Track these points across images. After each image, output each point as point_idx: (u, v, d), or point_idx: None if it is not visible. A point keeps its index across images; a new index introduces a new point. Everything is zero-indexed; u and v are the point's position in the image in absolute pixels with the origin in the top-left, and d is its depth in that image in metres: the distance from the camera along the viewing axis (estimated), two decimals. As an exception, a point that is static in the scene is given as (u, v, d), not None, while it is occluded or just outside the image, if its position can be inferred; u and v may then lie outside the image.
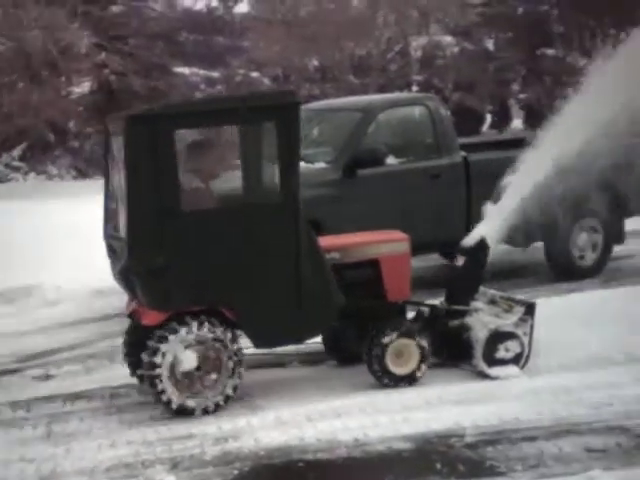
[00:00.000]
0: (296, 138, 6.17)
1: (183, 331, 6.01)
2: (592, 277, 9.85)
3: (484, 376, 6.52)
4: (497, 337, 6.50)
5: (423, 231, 9.10)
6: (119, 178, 6.35)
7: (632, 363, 6.73)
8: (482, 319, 6.66)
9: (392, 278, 6.60)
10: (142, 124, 5.99)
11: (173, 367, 6.00)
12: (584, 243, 9.97)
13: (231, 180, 6.99)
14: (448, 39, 31.41)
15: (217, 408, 6.12)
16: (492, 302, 6.89)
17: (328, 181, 8.96)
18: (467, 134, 25.40)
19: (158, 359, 5.99)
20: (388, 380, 6.42)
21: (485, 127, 41.21)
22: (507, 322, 6.58)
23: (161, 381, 6.00)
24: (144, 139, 5.93)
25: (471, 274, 6.91)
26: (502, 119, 40.20)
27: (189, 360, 6.01)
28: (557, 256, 9.93)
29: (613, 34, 33.74)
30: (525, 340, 6.54)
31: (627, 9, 31.23)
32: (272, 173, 6.38)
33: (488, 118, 41.61)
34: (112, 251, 6.68)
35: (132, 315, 6.63)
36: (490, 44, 30.93)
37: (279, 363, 7.15)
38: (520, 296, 7.15)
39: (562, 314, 7.35)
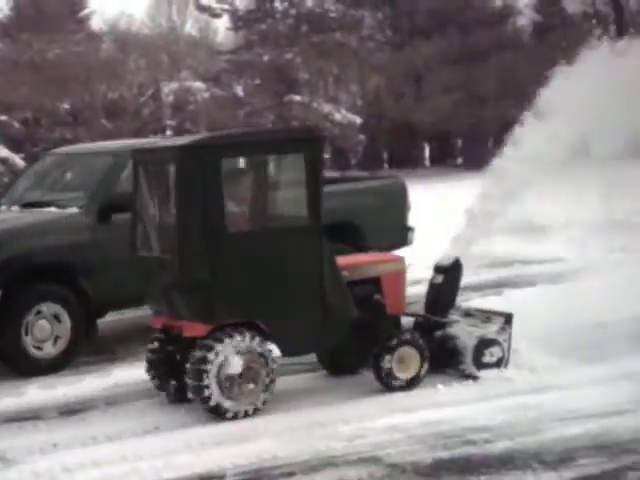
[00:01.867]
0: (320, 168, 6.87)
1: (237, 338, 6.51)
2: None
3: (471, 378, 7.21)
4: (484, 344, 7.30)
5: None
6: (157, 203, 6.97)
7: (379, 394, 7.05)
8: (465, 329, 7.44)
9: (391, 294, 7.34)
10: (192, 153, 6.57)
11: (220, 370, 6.47)
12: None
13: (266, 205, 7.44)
14: (198, 84, 31.77)
15: (251, 414, 6.58)
16: (467, 314, 7.70)
17: (82, 226, 8.82)
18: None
19: (210, 359, 6.44)
20: (395, 384, 7.04)
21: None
22: (491, 330, 7.39)
23: (208, 382, 6.44)
24: (194, 166, 6.49)
25: (449, 290, 7.64)
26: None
27: (236, 365, 6.49)
28: None
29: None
30: (505, 346, 7.34)
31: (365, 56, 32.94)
32: (299, 199, 6.91)
33: (241, 162, 41.82)
34: (145, 271, 7.08)
35: (163, 329, 7.04)
36: (239, 90, 31.53)
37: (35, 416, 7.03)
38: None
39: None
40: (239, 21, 32.82)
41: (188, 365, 6.56)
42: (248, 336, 6.55)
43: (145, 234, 7.08)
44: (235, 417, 6.52)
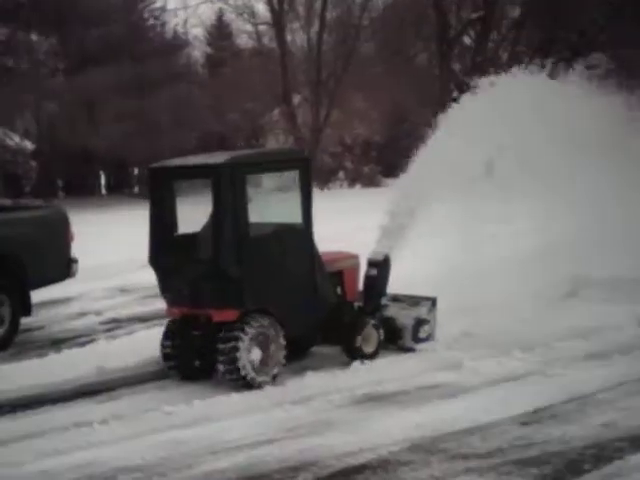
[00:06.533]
0: (310, 181, 8.43)
1: (260, 321, 7.81)
2: (2, 351, 9.77)
3: (409, 351, 8.76)
4: (419, 323, 8.91)
5: None
6: (188, 212, 8.23)
7: (27, 438, 6.79)
8: (400, 312, 8.98)
9: (349, 284, 8.87)
10: (227, 170, 7.74)
11: (249, 347, 7.70)
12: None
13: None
14: None
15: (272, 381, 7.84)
16: (395, 300, 9.19)
17: None
18: None
19: (242, 338, 7.67)
20: (360, 357, 8.44)
21: None
22: (423, 311, 9.00)
23: (240, 357, 7.63)
24: (228, 181, 7.71)
25: (381, 280, 9.04)
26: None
27: (262, 344, 7.82)
28: None
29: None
30: (433, 324, 9.02)
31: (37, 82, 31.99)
32: (295, 208, 8.26)
33: None
34: (168, 271, 8.13)
35: (182, 319, 8.10)
36: None
37: None
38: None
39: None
40: None
41: (220, 345, 7.68)
42: (265, 320, 7.81)
43: (168, 239, 8.17)
44: (260, 387, 7.71)
